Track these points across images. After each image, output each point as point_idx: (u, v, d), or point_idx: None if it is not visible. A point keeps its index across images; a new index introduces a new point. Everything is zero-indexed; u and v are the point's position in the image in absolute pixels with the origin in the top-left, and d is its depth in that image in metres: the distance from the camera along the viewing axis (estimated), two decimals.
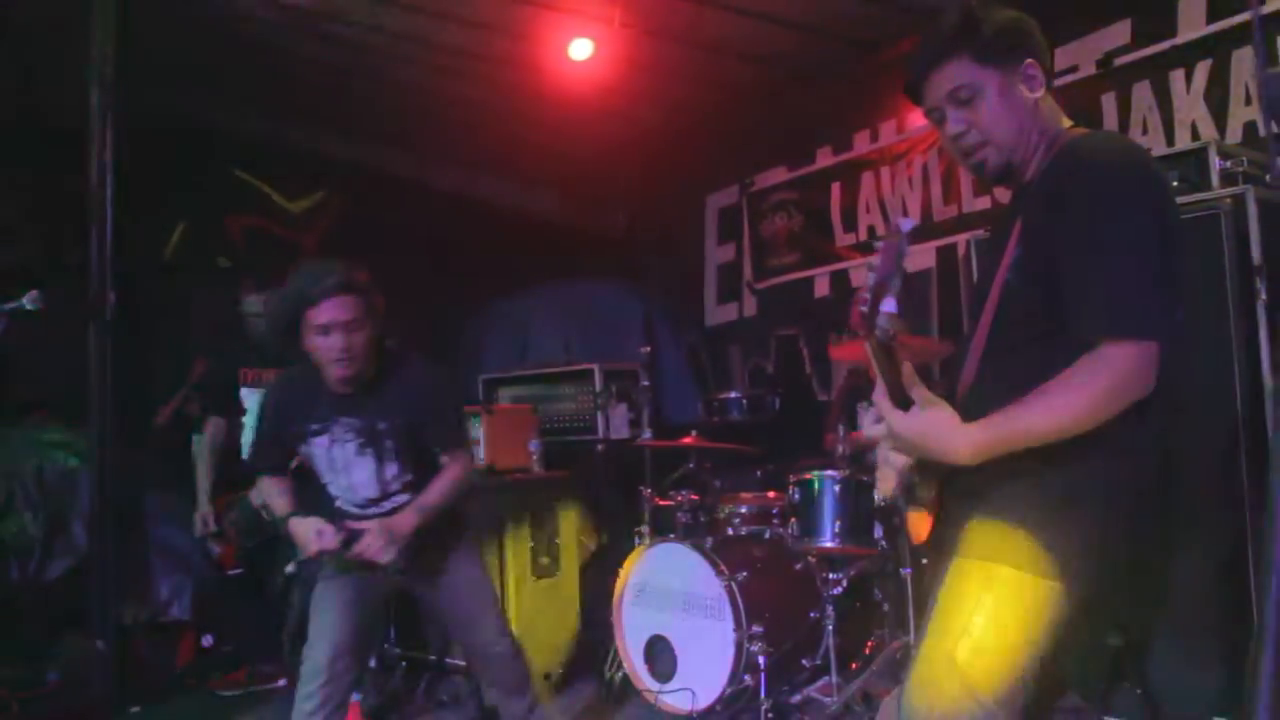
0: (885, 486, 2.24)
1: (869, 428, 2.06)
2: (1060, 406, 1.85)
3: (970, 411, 1.93)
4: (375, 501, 3.37)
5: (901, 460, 2.16)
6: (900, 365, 1.91)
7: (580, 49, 5.52)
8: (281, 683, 4.93)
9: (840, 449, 4.39)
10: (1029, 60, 2.09)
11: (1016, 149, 2.09)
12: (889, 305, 1.80)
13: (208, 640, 5.33)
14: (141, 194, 5.21)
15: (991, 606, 1.94)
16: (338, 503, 3.42)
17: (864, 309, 1.82)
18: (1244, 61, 4.26)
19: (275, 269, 5.15)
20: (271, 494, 3.48)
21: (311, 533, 3.21)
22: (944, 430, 1.91)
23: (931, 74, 2.12)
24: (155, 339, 6.28)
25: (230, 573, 4.74)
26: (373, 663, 4.87)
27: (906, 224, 1.83)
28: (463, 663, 4.64)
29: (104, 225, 4.53)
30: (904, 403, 1.93)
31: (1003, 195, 5.03)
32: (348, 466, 3.33)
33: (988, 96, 2.07)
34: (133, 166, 4.77)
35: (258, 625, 5.00)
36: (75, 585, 4.88)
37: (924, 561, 3.96)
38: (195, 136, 6.39)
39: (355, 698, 4.40)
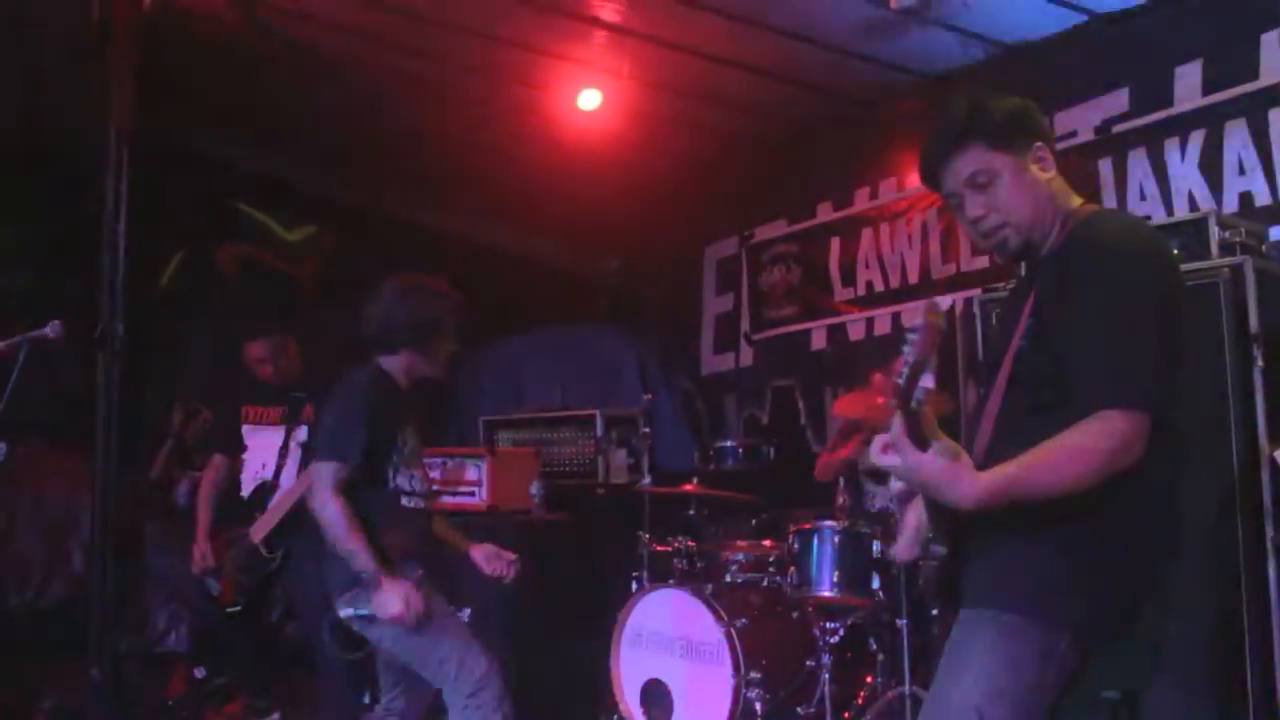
0: (903, 550, 2.31)
1: (877, 456, 2.06)
2: (1059, 467, 1.94)
3: None
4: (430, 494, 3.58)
5: (917, 520, 2.25)
6: (925, 419, 1.98)
7: (589, 99, 5.64)
8: (275, 716, 4.93)
9: (840, 500, 4.45)
10: (1038, 143, 2.21)
11: (1034, 228, 2.20)
12: (926, 382, 1.88)
13: (200, 672, 5.33)
14: (139, 222, 5.27)
15: (1006, 652, 2.02)
16: (406, 501, 3.45)
17: (900, 381, 1.89)
18: (1237, 133, 4.39)
19: (270, 303, 5.21)
20: (360, 535, 3.23)
21: (404, 599, 3.17)
22: (956, 475, 1.95)
23: (947, 162, 2.22)
24: (152, 367, 6.31)
25: (229, 610, 4.73)
26: (366, 698, 4.88)
27: (943, 304, 1.92)
28: None
29: (116, 255, 4.57)
30: (922, 444, 2.00)
31: (1009, 262, 5.17)
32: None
33: (1003, 180, 2.18)
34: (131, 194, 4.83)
35: (252, 658, 5.00)
36: (72, 613, 4.89)
37: (934, 612, 4.03)
38: (194, 166, 6.44)
39: None
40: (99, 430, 4.47)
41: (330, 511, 3.19)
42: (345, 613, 3.27)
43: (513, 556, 3.67)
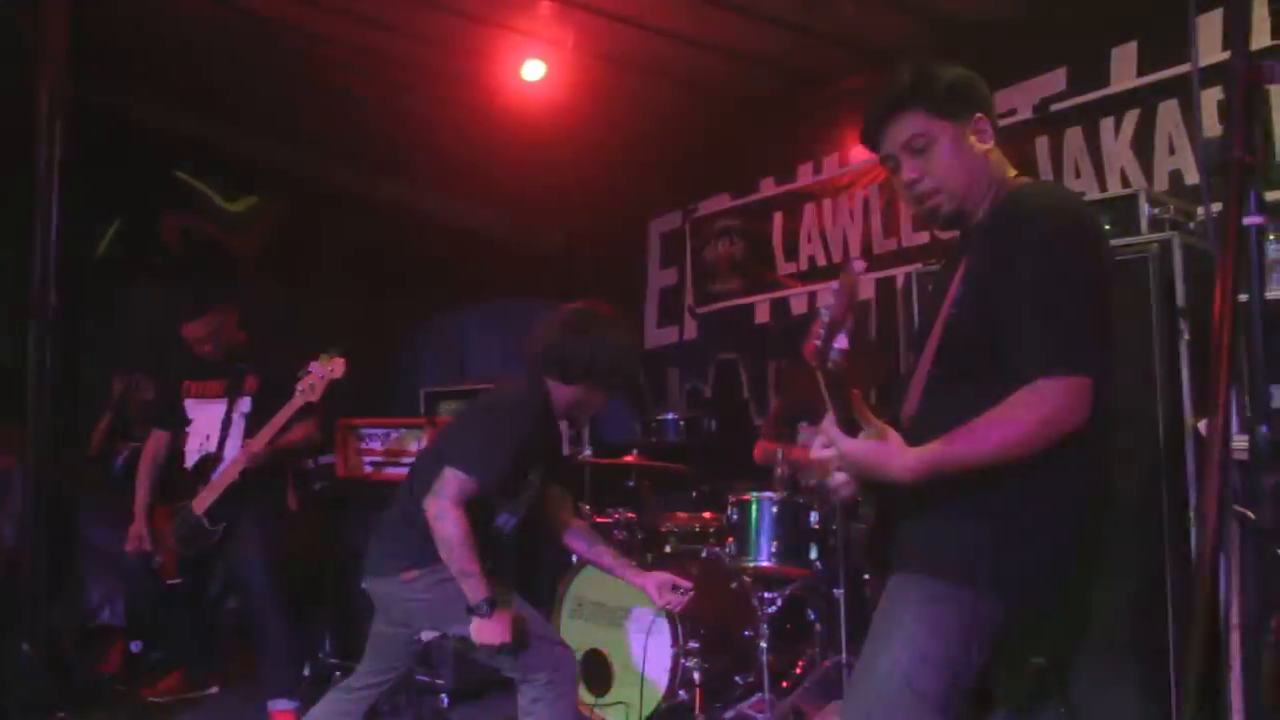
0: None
1: (817, 451, 2.13)
2: (997, 436, 1.97)
3: (913, 439, 2.04)
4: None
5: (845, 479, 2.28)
6: (849, 394, 2.01)
7: (533, 70, 5.59)
8: (213, 690, 4.90)
9: (778, 471, 4.49)
10: (979, 115, 2.24)
11: (967, 197, 2.23)
12: (840, 342, 1.90)
13: (136, 646, 5.27)
14: (75, 189, 5.15)
15: (933, 618, 2.06)
16: (504, 533, 3.33)
17: (817, 343, 1.92)
18: (1169, 113, 4.49)
19: (209, 275, 5.13)
20: (477, 558, 3.08)
21: (507, 628, 3.08)
22: (888, 454, 2.00)
23: (888, 125, 2.26)
24: (87, 338, 6.21)
25: (170, 582, 4.68)
26: (307, 671, 4.87)
27: (859, 266, 1.94)
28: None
29: (49, 224, 4.47)
30: (851, 428, 2.04)
31: (941, 230, 5.23)
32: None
33: (940, 147, 2.21)
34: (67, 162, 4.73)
35: (190, 633, 4.96)
36: (3, 587, 4.80)
37: (865, 577, 4.09)
38: (132, 133, 6.33)
39: (292, 705, 4.41)
40: (31, 401, 4.39)
41: (449, 524, 3.02)
42: (428, 637, 3.13)
43: (688, 585, 3.51)
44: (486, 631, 3.05)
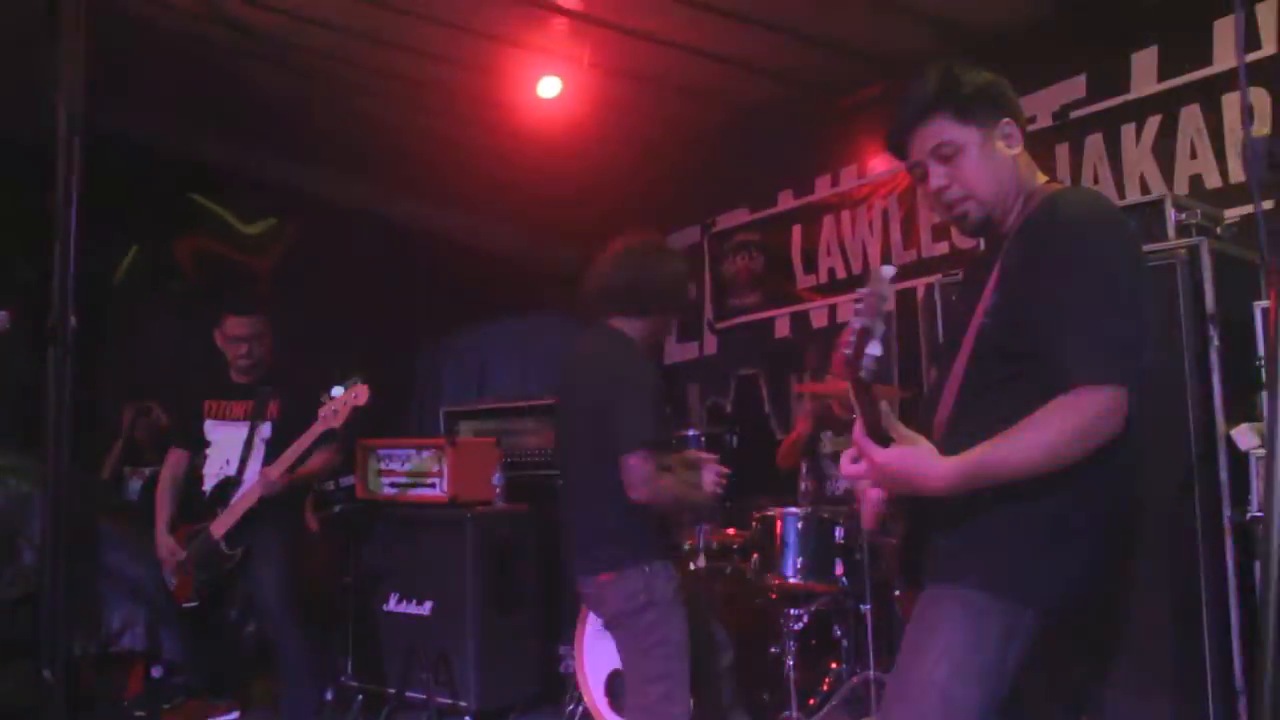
0: (870, 520, 2.31)
1: (847, 466, 2.11)
2: (1033, 445, 1.93)
3: (946, 448, 2.00)
4: None
5: (876, 494, 2.24)
6: (878, 405, 1.98)
7: (548, 87, 5.58)
8: (234, 715, 4.87)
9: (803, 486, 4.45)
10: (1006, 119, 2.20)
11: (997, 203, 2.18)
12: (874, 349, 1.86)
13: (157, 671, 5.25)
14: (93, 215, 5.14)
15: (970, 630, 2.01)
16: None
17: (848, 353, 1.88)
18: (1191, 118, 4.44)
19: (229, 296, 5.12)
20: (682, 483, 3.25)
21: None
22: (921, 464, 1.97)
23: (914, 131, 2.21)
24: (105, 363, 6.22)
25: (185, 605, 4.66)
26: (329, 694, 4.83)
27: (888, 271, 1.90)
28: (423, 695, 4.62)
29: (68, 247, 4.47)
30: (882, 440, 2.00)
31: (960, 240, 5.19)
32: None
33: (968, 153, 2.16)
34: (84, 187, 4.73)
35: (212, 657, 4.93)
36: (23, 613, 4.79)
37: (896, 592, 4.03)
38: (148, 157, 6.34)
39: None
40: (50, 425, 4.37)
41: (664, 492, 3.03)
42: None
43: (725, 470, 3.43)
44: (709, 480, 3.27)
